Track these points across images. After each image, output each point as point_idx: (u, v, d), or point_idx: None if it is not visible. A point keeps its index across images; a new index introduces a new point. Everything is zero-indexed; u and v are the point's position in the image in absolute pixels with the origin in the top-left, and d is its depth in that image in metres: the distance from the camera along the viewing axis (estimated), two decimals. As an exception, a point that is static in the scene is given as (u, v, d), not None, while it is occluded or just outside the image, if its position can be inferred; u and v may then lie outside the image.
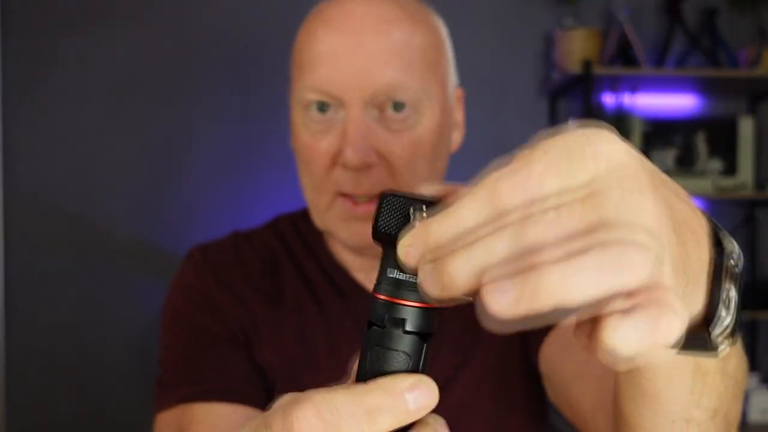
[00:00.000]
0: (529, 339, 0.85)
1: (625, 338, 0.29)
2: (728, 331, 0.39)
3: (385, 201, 0.37)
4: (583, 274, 0.29)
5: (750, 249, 2.69)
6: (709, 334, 0.39)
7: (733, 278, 0.39)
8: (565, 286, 0.29)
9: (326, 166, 0.80)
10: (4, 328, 2.51)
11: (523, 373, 0.87)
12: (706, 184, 2.57)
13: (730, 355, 0.47)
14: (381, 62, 0.78)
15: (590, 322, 0.31)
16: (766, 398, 2.42)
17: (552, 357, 0.80)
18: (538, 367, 0.83)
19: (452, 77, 0.86)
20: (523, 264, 0.30)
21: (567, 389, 0.77)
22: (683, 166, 2.60)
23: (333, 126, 0.80)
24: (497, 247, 0.31)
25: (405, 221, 0.36)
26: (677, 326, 0.29)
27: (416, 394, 0.35)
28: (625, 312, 0.29)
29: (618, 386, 0.52)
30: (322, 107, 0.80)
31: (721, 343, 0.40)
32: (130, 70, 2.57)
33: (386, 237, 0.36)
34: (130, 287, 2.54)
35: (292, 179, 0.88)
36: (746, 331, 2.68)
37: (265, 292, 0.88)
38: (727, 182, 2.59)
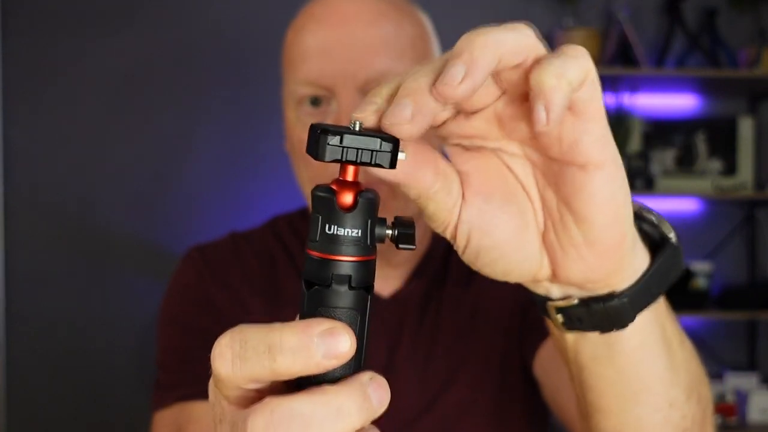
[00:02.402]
0: (524, 344, 0.85)
1: (548, 67, 0.35)
2: (669, 232, 0.45)
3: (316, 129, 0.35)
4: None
5: (750, 249, 2.69)
6: (666, 239, 0.45)
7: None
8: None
9: None
10: (4, 328, 2.52)
11: (523, 372, 0.87)
12: (705, 184, 2.57)
13: (682, 331, 0.50)
14: (372, 52, 0.79)
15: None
16: (766, 398, 2.42)
17: (545, 364, 0.82)
18: (533, 371, 0.85)
19: None
20: None
21: (557, 396, 0.79)
22: (683, 166, 2.60)
23: (326, 118, 0.80)
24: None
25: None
26: (584, 54, 0.37)
27: (327, 340, 0.32)
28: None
29: (601, 394, 0.49)
30: (315, 101, 0.80)
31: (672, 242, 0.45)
32: (129, 70, 2.57)
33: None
34: (130, 287, 2.54)
35: (292, 179, 0.88)
36: (746, 331, 2.68)
37: (264, 291, 0.88)
38: (727, 182, 2.59)
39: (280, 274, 0.90)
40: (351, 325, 0.34)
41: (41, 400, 2.52)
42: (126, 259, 2.55)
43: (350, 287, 0.35)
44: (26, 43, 2.54)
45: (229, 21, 2.59)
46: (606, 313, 0.44)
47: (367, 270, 0.35)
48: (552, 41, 2.61)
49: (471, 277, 0.89)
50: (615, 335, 0.45)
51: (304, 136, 0.81)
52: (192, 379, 0.82)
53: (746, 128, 2.62)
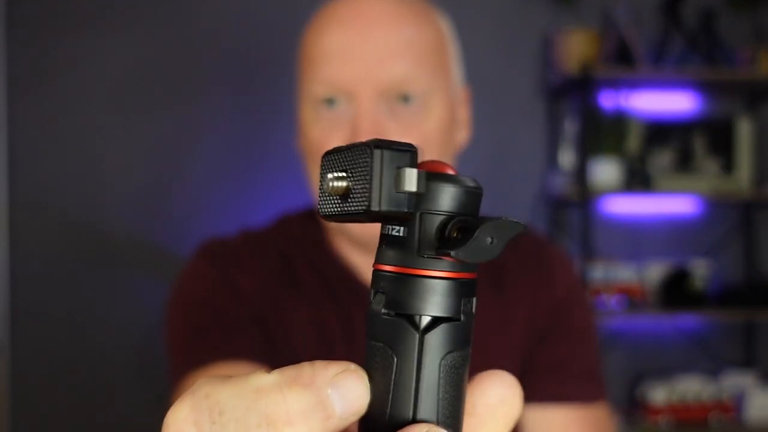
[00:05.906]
0: (526, 380, 0.88)
1: None
2: None
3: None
4: None
5: (748, 248, 2.70)
6: None
7: None
8: None
9: None
10: (9, 327, 2.52)
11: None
12: (703, 185, 2.57)
13: None
14: (393, 56, 0.79)
15: None
16: (766, 398, 2.43)
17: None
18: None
19: (458, 75, 0.87)
20: None
21: None
22: (681, 166, 2.61)
23: (342, 121, 0.79)
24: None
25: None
26: None
27: (342, 388, 0.24)
28: None
29: None
30: (331, 102, 0.80)
31: None
32: (133, 70, 2.57)
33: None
34: (133, 287, 2.54)
35: (294, 179, 0.88)
36: (744, 329, 2.69)
37: (282, 280, 0.86)
38: (725, 182, 2.60)
39: (297, 268, 0.88)
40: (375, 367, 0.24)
41: (45, 398, 2.52)
42: (129, 259, 2.56)
43: (433, 320, 0.24)
44: (32, 44, 2.55)
45: (231, 21, 2.60)
46: None
47: (456, 292, 0.24)
48: (550, 42, 2.62)
49: (501, 284, 0.89)
50: None
51: (320, 137, 0.81)
52: (209, 347, 0.80)
53: (744, 128, 2.63)
